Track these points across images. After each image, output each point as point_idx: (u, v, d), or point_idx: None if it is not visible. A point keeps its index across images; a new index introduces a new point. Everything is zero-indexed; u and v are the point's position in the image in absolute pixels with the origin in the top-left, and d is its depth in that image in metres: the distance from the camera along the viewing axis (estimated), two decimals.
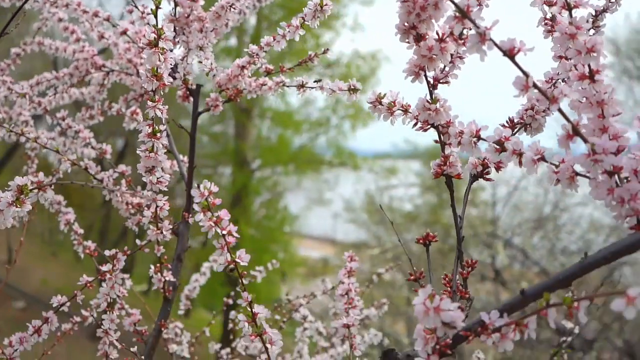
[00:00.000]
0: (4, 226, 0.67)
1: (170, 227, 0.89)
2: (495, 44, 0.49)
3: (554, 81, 0.69)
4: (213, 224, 0.61)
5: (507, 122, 0.68)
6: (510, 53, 0.50)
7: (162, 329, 0.98)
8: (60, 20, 1.18)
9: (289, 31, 0.88)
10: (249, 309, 0.64)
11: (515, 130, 0.68)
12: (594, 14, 0.73)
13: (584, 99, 0.54)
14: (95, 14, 1.09)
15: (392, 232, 7.58)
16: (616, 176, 0.52)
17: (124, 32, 1.03)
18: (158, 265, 0.95)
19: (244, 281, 0.63)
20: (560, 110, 0.51)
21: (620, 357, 5.93)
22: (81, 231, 1.08)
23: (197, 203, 0.60)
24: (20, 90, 1.09)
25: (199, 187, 0.60)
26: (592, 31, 0.72)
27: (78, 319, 1.10)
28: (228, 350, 1.32)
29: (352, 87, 0.83)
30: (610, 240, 6.93)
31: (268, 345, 0.63)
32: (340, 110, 11.70)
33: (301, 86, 0.94)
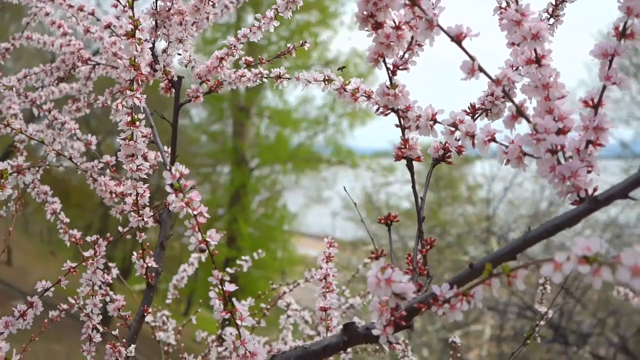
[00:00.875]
0: None
1: (151, 213, 0.92)
2: (443, 30, 0.52)
3: (514, 68, 0.71)
4: (184, 205, 0.64)
5: (468, 107, 0.71)
6: (457, 38, 0.53)
7: (145, 314, 1.01)
8: (47, 14, 1.20)
9: (263, 22, 0.91)
10: (220, 287, 0.67)
11: (477, 115, 0.71)
12: (554, 3, 0.76)
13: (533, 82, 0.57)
14: (80, 9, 1.12)
15: (392, 230, 7.60)
16: (561, 154, 0.55)
17: (108, 26, 1.06)
18: (140, 252, 0.98)
19: (213, 259, 0.66)
20: (505, 92, 0.54)
21: (616, 352, 5.96)
22: (67, 220, 1.11)
23: (169, 185, 0.63)
24: (8, 83, 1.12)
25: (171, 169, 0.63)
26: (552, 20, 0.75)
27: (65, 306, 1.13)
28: (213, 337, 1.35)
29: (326, 78, 0.85)
30: (605, 235, 6.97)
31: (238, 322, 0.66)
32: (339, 109, 11.74)
33: (278, 77, 0.97)
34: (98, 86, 1.35)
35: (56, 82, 1.20)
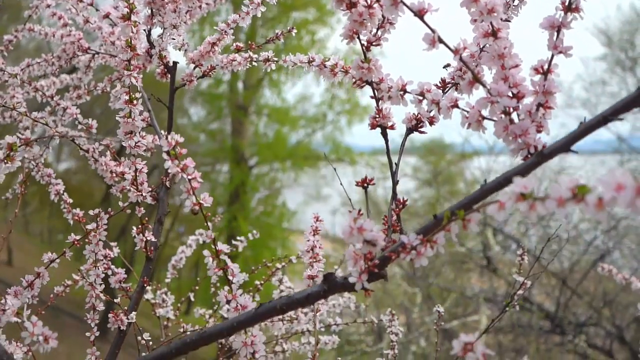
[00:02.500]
0: None
1: (149, 188, 0.99)
2: (407, 6, 0.59)
3: (481, 46, 0.78)
4: (180, 170, 0.70)
5: (439, 81, 0.77)
6: (420, 13, 0.59)
7: (145, 285, 1.07)
8: (48, 6, 1.27)
9: (251, 8, 0.98)
10: (213, 246, 0.73)
11: (447, 88, 0.77)
12: None
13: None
14: (80, 0, 1.18)
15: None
16: (516, 116, 0.61)
17: (107, 16, 1.12)
18: (140, 226, 1.04)
19: (206, 220, 0.72)
20: (462, 61, 0.60)
21: (612, 342, 6.04)
22: (70, 200, 1.17)
23: (165, 152, 0.69)
24: (12, 72, 1.18)
25: (167, 137, 0.69)
26: (516, 1, 0.81)
27: (69, 282, 1.19)
28: (210, 311, 1.42)
29: (311, 59, 0.92)
30: (601, 226, 7.05)
31: (230, 277, 0.73)
32: (337, 106, 11.80)
33: (267, 60, 1.03)
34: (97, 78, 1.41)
35: (57, 71, 1.26)
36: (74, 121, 1.18)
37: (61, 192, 1.19)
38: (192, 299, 1.48)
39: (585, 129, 0.54)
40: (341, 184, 0.97)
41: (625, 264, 7.02)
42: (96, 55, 1.27)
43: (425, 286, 6.00)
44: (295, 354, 1.35)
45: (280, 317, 1.24)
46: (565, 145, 0.55)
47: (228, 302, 0.72)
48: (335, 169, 1.03)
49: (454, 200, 8.60)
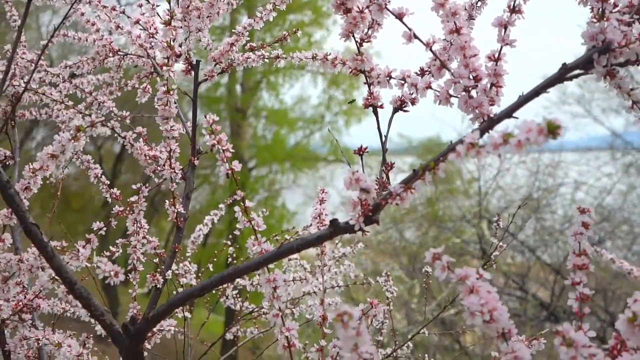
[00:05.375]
0: (65, 159, 0.95)
1: (181, 167, 1.18)
2: (389, 11, 0.78)
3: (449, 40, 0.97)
4: (216, 143, 0.89)
5: (419, 69, 0.97)
6: (400, 16, 0.78)
7: (176, 250, 1.26)
8: (82, 14, 1.46)
9: (265, 14, 1.17)
10: (242, 205, 0.92)
11: (425, 76, 0.96)
12: None
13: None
14: (113, 8, 1.37)
15: (389, 225, 7.89)
16: (474, 93, 0.80)
17: (137, 22, 1.31)
18: (172, 200, 1.23)
19: (236, 182, 0.91)
20: (432, 52, 0.79)
21: (605, 329, 6.23)
22: (107, 182, 1.36)
23: (204, 128, 0.88)
24: (55, 72, 1.37)
25: (205, 116, 0.88)
26: (479, 3, 1.00)
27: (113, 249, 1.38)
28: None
29: (314, 55, 1.11)
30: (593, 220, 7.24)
31: (255, 228, 0.92)
32: (334, 107, 12.00)
33: (276, 57, 1.23)
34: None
35: (92, 70, 1.45)
36: (109, 113, 1.37)
37: (99, 175, 1.38)
38: (212, 269, 1.67)
39: (523, 99, 0.73)
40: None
41: (618, 254, 7.22)
42: (125, 57, 1.46)
43: (423, 277, 6.18)
44: (303, 316, 1.54)
45: (292, 279, 1.42)
46: (507, 114, 0.75)
47: (254, 246, 0.91)
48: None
49: (452, 198, 8.80)
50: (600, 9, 0.71)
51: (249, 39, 1.24)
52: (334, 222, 0.85)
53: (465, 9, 0.92)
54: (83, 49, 1.52)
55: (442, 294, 5.41)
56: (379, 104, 0.91)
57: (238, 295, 1.68)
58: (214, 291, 1.67)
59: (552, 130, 0.56)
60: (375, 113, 0.92)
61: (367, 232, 0.84)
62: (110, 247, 1.19)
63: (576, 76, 0.73)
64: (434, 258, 0.68)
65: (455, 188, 9.67)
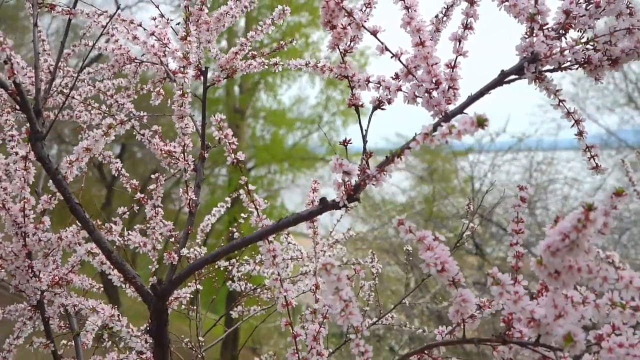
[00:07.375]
0: (96, 151, 1.14)
1: (194, 159, 1.37)
2: (365, 28, 0.97)
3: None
4: (223, 137, 1.08)
5: (394, 74, 1.15)
6: (374, 32, 0.97)
7: (189, 232, 1.45)
8: (103, 27, 1.64)
9: (265, 27, 1.36)
10: (246, 187, 1.11)
11: (398, 79, 1.15)
12: (446, 6, 1.20)
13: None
14: (131, 22, 1.56)
15: (388, 225, 8.08)
16: (435, 94, 0.99)
17: (152, 34, 1.50)
18: (185, 187, 1.42)
19: (241, 170, 1.10)
20: (400, 61, 0.98)
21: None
22: (127, 175, 1.55)
23: (213, 125, 1.07)
24: (81, 77, 1.56)
25: (214, 115, 1.07)
26: (444, 18, 1.19)
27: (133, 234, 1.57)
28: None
29: (307, 62, 1.30)
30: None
31: (258, 207, 1.11)
32: (332, 107, 12.18)
33: (275, 64, 1.42)
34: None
35: (112, 76, 1.64)
36: (129, 114, 1.56)
37: (120, 168, 1.57)
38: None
39: (471, 99, 0.92)
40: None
41: (610, 249, 7.42)
42: (141, 64, 1.65)
43: (418, 272, 6.40)
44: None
45: (290, 257, 1.61)
46: (459, 110, 0.94)
47: (256, 221, 1.10)
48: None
49: (449, 196, 9.00)
50: (530, 27, 0.90)
51: (250, 48, 1.43)
52: (323, 200, 1.05)
53: (432, 23, 1.12)
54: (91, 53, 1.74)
55: (437, 286, 5.61)
56: (360, 103, 1.10)
57: (244, 277, 1.87)
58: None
59: (480, 122, 0.75)
60: (357, 111, 1.11)
61: (350, 207, 1.03)
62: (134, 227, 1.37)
63: (512, 80, 0.93)
64: (399, 223, 0.86)
65: (452, 187, 9.86)
